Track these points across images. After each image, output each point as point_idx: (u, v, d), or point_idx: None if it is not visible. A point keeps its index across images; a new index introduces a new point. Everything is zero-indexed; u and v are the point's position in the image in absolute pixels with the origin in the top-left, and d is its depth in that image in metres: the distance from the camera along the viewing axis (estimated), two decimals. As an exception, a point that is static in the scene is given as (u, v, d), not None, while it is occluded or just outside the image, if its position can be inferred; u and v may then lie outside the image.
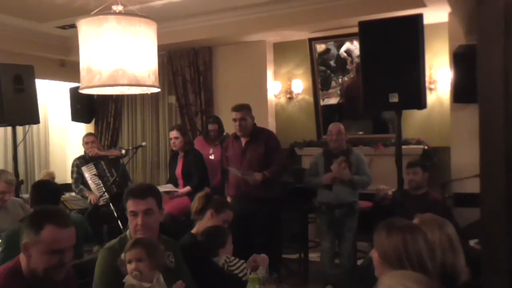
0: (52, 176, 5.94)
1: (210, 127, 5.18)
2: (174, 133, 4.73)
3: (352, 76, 5.80)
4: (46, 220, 1.87)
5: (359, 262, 4.34)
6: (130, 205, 2.33)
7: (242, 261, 2.66)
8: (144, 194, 2.35)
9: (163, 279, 2.19)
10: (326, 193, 4.23)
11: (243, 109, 4.11)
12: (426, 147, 5.16)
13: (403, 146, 3.67)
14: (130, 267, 2.12)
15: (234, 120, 4.11)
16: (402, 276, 1.46)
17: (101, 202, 5.10)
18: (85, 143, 5.53)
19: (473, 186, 4.46)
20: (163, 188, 4.62)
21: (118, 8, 3.03)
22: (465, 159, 4.34)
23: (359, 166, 4.21)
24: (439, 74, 5.23)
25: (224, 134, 4.60)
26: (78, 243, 3.41)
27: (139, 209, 2.31)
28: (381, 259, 1.74)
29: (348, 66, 5.81)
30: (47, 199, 3.14)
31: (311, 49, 5.89)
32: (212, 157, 4.32)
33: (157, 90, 3.24)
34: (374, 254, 1.78)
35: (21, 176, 6.03)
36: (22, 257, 1.89)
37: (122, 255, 2.15)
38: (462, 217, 4.04)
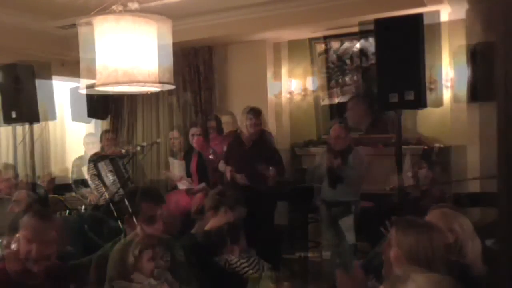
0: (51, 176, 5.93)
1: (208, 124, 5.22)
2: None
3: (352, 76, 5.79)
4: None
5: (359, 262, 4.35)
6: (148, 209, 2.27)
7: (242, 260, 2.67)
8: (163, 199, 2.36)
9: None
10: (325, 190, 4.26)
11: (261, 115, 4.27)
12: (426, 147, 5.16)
13: (403, 146, 3.68)
14: (152, 265, 2.10)
15: (251, 123, 4.22)
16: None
17: (101, 202, 5.10)
18: (103, 140, 5.57)
19: (473, 187, 4.48)
20: (181, 186, 4.64)
21: (134, 5, 3.02)
22: (479, 158, 4.32)
23: (352, 160, 4.24)
24: (442, 72, 5.19)
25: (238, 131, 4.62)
26: (75, 245, 3.45)
27: (158, 214, 2.30)
28: (405, 257, 1.73)
29: (348, 66, 5.81)
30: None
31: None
32: (212, 156, 4.33)
33: (172, 87, 3.20)
34: (392, 253, 1.77)
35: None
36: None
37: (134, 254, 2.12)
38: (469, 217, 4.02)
